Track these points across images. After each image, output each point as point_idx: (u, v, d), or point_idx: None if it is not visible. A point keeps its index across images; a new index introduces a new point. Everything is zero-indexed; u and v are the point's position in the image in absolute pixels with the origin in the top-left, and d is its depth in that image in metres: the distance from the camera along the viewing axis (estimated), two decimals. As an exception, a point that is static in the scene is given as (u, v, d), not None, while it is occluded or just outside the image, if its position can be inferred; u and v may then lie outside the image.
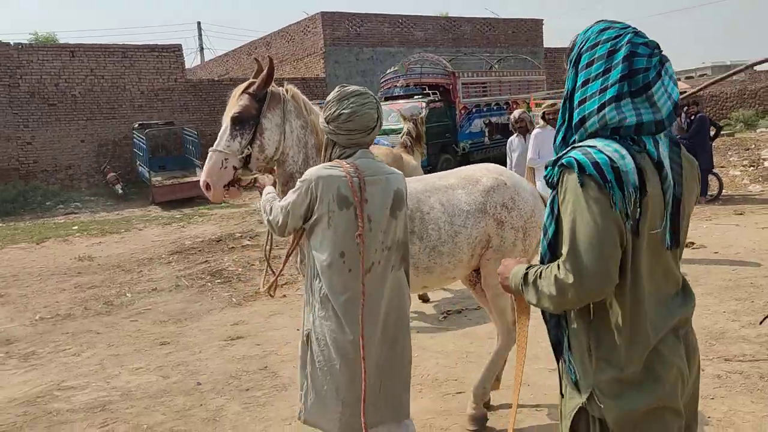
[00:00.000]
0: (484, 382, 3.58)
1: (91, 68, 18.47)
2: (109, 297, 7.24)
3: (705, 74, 44.13)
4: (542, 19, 27.11)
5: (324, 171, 2.49)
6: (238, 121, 2.97)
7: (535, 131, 7.13)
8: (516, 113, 7.85)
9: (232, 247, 9.49)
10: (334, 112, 2.52)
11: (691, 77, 38.71)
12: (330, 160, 2.57)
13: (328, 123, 2.53)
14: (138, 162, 17.40)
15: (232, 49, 28.29)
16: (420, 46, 23.21)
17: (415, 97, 15.90)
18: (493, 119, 17.11)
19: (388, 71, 17.55)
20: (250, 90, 3.01)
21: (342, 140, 2.55)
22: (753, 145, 17.23)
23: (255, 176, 3.10)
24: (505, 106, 17.39)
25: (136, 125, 17.74)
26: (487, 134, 16.91)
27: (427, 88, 16.22)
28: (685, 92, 11.68)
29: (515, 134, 7.73)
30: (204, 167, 3.00)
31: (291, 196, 2.54)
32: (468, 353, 4.78)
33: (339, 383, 2.49)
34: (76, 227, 13.54)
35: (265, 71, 3.02)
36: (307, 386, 2.58)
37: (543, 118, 7.23)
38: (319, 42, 22.12)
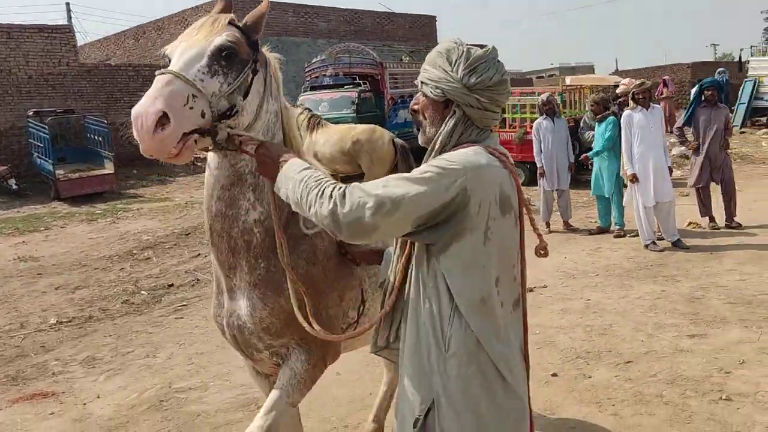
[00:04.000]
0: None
1: (-30, 49, 16.14)
2: (120, 295, 6.46)
3: (553, 74, 48.41)
4: (435, 16, 28.14)
5: (479, 158, 1.65)
6: (226, 55, 1.88)
7: (626, 113, 6.97)
8: (544, 96, 8.10)
9: (215, 240, 8.81)
10: (492, 76, 1.70)
11: (542, 77, 42.28)
12: (455, 147, 1.71)
13: (475, 90, 1.70)
14: (35, 154, 15.46)
15: (113, 33, 26.03)
16: (323, 37, 22.96)
17: (346, 86, 15.71)
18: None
19: (314, 60, 17.10)
20: (240, 24, 1.96)
21: (486, 117, 1.74)
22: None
23: (244, 136, 1.94)
24: (425, 98, 17.74)
25: (31, 113, 15.79)
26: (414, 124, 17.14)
27: (357, 78, 16.08)
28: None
29: (542, 117, 8.00)
30: (154, 92, 1.74)
31: (403, 183, 1.60)
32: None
33: None
34: (-22, 227, 11.86)
35: (262, 6, 2.00)
36: None
37: (633, 99, 6.94)
38: (223, 28, 21.05)
